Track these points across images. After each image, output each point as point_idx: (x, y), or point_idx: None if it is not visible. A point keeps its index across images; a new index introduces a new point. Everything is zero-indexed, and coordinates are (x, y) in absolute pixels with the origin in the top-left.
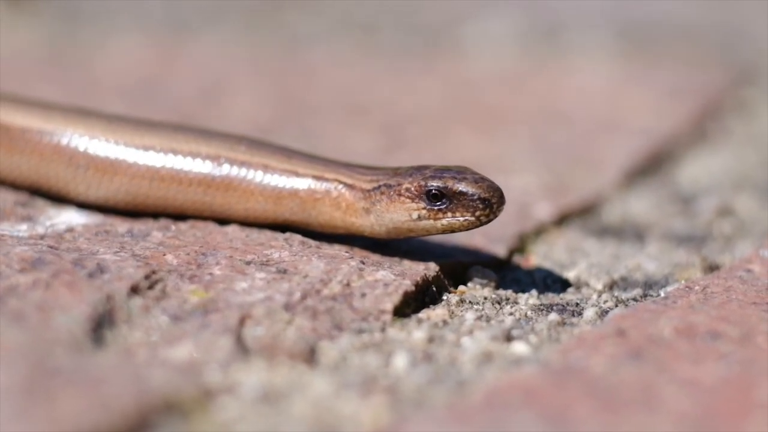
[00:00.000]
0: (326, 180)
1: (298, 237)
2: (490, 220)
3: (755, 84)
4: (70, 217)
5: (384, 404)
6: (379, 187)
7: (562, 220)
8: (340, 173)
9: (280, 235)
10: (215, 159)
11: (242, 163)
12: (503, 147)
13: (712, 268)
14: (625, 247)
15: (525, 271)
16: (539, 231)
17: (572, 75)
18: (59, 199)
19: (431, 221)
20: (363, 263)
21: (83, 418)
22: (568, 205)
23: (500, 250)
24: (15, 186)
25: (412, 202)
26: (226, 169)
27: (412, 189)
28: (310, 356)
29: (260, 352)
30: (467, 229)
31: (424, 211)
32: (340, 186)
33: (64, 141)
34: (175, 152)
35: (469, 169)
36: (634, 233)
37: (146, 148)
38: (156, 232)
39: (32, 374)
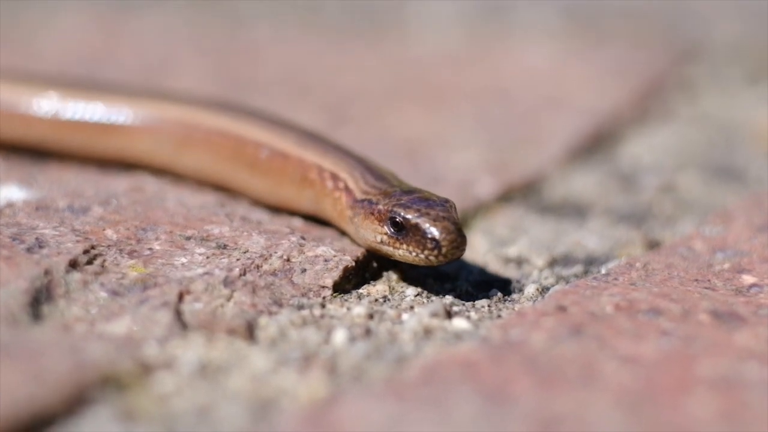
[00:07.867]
0: (337, 179)
1: (239, 212)
2: (440, 263)
3: (698, 63)
4: (11, 193)
5: (322, 379)
6: (364, 200)
7: (504, 197)
8: (351, 175)
9: (221, 211)
10: (260, 145)
11: (281, 151)
12: (446, 124)
13: (653, 245)
14: (566, 224)
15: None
16: (481, 208)
17: (516, 54)
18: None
19: (391, 248)
20: (303, 239)
21: (19, 391)
22: (510, 182)
23: None
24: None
25: (379, 224)
26: (266, 155)
27: (382, 212)
28: (248, 332)
29: (199, 328)
30: (422, 265)
31: (385, 237)
32: (342, 189)
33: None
34: (236, 136)
35: (448, 206)
36: (575, 210)
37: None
38: (96, 207)
39: None
